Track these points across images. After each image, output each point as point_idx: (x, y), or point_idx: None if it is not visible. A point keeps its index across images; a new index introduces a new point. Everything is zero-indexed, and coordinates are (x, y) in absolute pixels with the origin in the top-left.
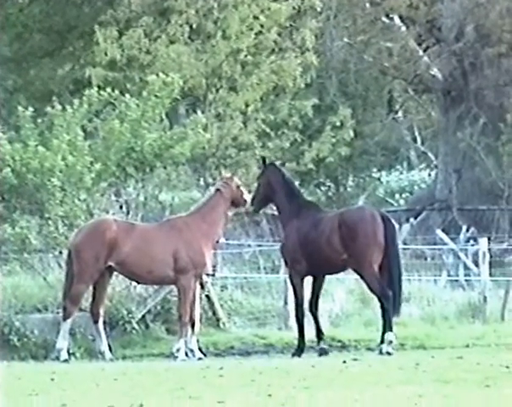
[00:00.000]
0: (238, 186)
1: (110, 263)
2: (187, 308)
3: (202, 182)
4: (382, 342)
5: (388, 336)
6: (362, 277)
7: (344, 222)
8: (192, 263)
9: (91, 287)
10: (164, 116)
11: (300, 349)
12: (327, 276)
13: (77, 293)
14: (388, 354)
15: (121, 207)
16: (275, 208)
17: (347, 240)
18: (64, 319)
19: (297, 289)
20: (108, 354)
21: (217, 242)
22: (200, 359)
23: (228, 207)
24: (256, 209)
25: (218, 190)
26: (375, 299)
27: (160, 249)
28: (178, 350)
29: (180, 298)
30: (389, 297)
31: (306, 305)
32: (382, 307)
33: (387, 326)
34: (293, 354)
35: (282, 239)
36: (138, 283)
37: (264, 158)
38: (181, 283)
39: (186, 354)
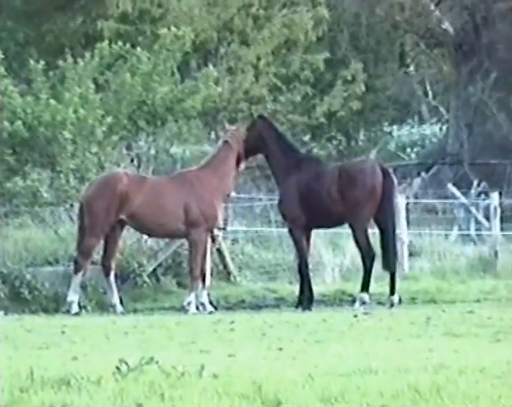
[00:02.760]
0: (243, 138)
1: (121, 216)
2: (198, 261)
3: (213, 136)
4: (392, 293)
5: (361, 296)
6: (353, 230)
7: (344, 172)
8: (203, 216)
9: (102, 241)
10: (175, 70)
11: (310, 301)
12: (338, 230)
13: (88, 247)
14: (355, 316)
15: (132, 160)
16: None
17: (345, 190)
18: (75, 272)
19: (299, 243)
20: (119, 308)
21: (228, 195)
22: (211, 312)
23: (236, 159)
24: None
25: (226, 142)
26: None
27: (171, 202)
28: (189, 304)
29: (192, 252)
30: (371, 257)
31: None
32: (364, 265)
33: (365, 286)
34: (304, 308)
35: (280, 193)
36: (149, 236)
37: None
38: (193, 237)
39: (197, 308)
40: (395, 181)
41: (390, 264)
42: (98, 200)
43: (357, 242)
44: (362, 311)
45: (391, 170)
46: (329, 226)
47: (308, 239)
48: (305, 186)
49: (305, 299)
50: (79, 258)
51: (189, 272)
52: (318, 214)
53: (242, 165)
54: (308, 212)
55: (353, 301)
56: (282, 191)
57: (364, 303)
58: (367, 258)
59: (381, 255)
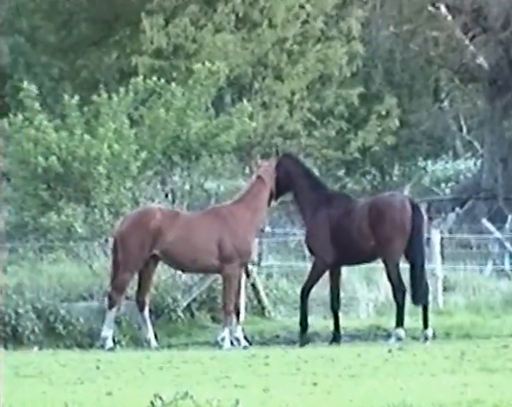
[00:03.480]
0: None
1: (155, 251)
2: (232, 296)
3: (247, 171)
4: (425, 327)
5: (397, 332)
6: (385, 265)
7: (374, 207)
8: (237, 251)
9: (136, 276)
10: (209, 104)
11: (303, 330)
12: (372, 265)
13: (122, 282)
14: (390, 351)
15: (167, 195)
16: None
17: (375, 225)
18: (110, 307)
19: (316, 275)
20: (153, 343)
21: (262, 230)
22: (245, 347)
23: (269, 193)
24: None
25: (259, 177)
26: None
27: (205, 238)
28: (223, 339)
29: (225, 287)
30: (402, 292)
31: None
32: (396, 300)
33: (399, 321)
34: (301, 344)
35: (308, 229)
36: (183, 272)
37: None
38: (226, 272)
39: (232, 343)
40: (425, 215)
41: (419, 298)
42: (132, 236)
43: (389, 277)
44: (396, 346)
45: (425, 205)
46: (359, 262)
47: (338, 275)
48: (335, 222)
49: (302, 333)
50: (113, 293)
51: (222, 307)
52: (348, 251)
53: (275, 201)
54: (338, 248)
55: (388, 336)
56: (311, 226)
57: (399, 338)
58: (398, 292)
59: (411, 289)
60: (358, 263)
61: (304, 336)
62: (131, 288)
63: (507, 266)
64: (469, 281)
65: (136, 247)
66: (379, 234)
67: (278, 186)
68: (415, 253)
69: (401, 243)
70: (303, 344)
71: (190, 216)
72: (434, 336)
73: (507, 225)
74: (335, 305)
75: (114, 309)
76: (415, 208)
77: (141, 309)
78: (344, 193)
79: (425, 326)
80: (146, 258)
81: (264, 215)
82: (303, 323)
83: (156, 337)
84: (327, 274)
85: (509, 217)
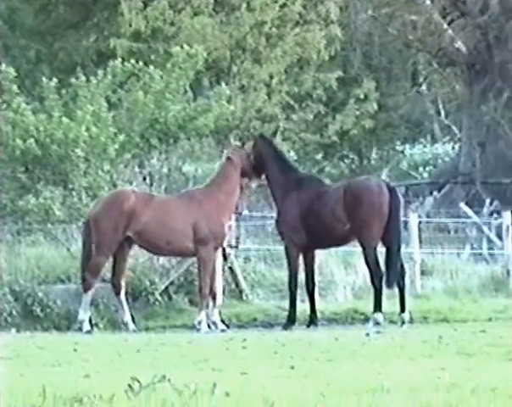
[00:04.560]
0: (249, 156)
1: (129, 233)
2: (207, 280)
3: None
4: (402, 311)
5: (375, 316)
6: (363, 249)
7: (350, 191)
8: (212, 234)
9: (111, 259)
10: (187, 88)
11: (291, 321)
12: (350, 249)
13: (97, 265)
14: (368, 334)
15: (145, 178)
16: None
17: (352, 208)
18: (85, 290)
19: (293, 261)
20: (131, 325)
21: (239, 214)
22: (223, 330)
23: (239, 175)
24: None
25: (229, 158)
26: None
27: (179, 220)
28: (199, 323)
29: (200, 271)
30: (380, 276)
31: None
32: (373, 284)
33: (377, 306)
34: (284, 327)
35: (279, 211)
36: (157, 255)
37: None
38: (201, 255)
39: (209, 326)
40: (401, 199)
41: (392, 281)
42: (105, 217)
43: (367, 261)
44: (374, 330)
45: (403, 189)
46: (332, 246)
47: (312, 258)
48: (307, 205)
49: (288, 319)
50: (88, 276)
51: (198, 291)
52: (320, 234)
53: (253, 184)
54: (309, 231)
55: (366, 320)
56: (283, 208)
57: (377, 323)
58: (376, 277)
59: (385, 273)
60: (330, 246)
61: (289, 324)
62: (108, 271)
63: (484, 250)
64: (446, 265)
65: (109, 229)
66: (356, 218)
67: (253, 168)
68: (392, 237)
69: (378, 228)
70: (285, 329)
71: (164, 199)
72: (411, 320)
73: (484, 210)
74: (310, 288)
75: (90, 293)
76: (392, 191)
77: (118, 293)
78: (315, 176)
79: (402, 309)
80: (120, 240)
81: (236, 197)
82: (292, 314)
83: (133, 319)
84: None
85: (487, 201)
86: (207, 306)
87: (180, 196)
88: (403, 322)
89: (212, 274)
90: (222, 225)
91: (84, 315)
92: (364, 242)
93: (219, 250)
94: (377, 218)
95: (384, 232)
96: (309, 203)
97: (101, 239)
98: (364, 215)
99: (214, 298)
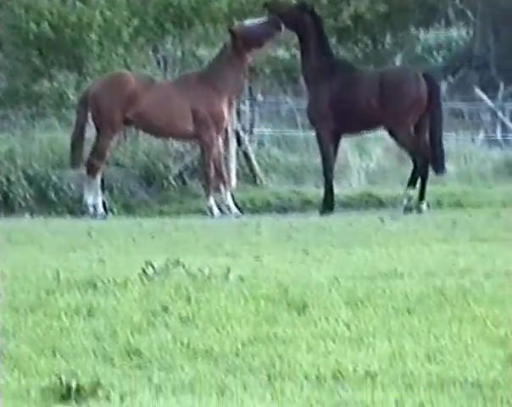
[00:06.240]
0: (247, 30)
1: (128, 115)
2: (211, 164)
3: None
4: (421, 199)
5: (410, 191)
6: (396, 137)
7: (387, 82)
8: (211, 117)
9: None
10: None
11: (329, 207)
12: (365, 134)
13: (102, 148)
14: (408, 209)
15: (159, 62)
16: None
17: (389, 99)
18: (93, 175)
19: (325, 147)
20: (100, 209)
21: (254, 99)
22: (237, 216)
23: (239, 57)
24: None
25: (224, 44)
26: None
27: (178, 103)
28: (210, 208)
29: (203, 156)
30: (425, 155)
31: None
32: (415, 164)
33: (412, 182)
34: (322, 212)
35: (310, 98)
36: (157, 136)
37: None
38: (204, 140)
39: (222, 211)
40: (440, 86)
41: (440, 166)
42: (106, 99)
43: (404, 146)
44: (388, 216)
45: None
46: (360, 131)
47: (336, 145)
48: (338, 92)
49: (326, 205)
50: (93, 160)
51: (203, 176)
52: (352, 121)
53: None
54: (340, 118)
55: (381, 205)
56: (312, 96)
57: (410, 199)
58: (418, 157)
59: (430, 159)
60: (360, 132)
61: (326, 210)
62: (122, 154)
63: (498, 135)
64: (460, 149)
65: (110, 110)
66: (393, 109)
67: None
68: (436, 126)
69: (414, 117)
70: (322, 214)
71: (164, 83)
72: (428, 207)
73: (499, 95)
74: (328, 175)
75: (98, 177)
76: (430, 80)
77: (94, 175)
78: (348, 62)
79: (422, 197)
80: (121, 121)
81: (235, 80)
82: (329, 199)
83: (104, 205)
84: (315, 142)
85: (501, 86)
86: (216, 190)
87: (179, 80)
88: (419, 211)
89: (218, 159)
90: (221, 109)
91: (96, 198)
92: (399, 131)
93: (224, 135)
94: (415, 109)
95: (423, 121)
96: (341, 89)
97: (102, 121)
98: (402, 107)
99: (224, 183)
